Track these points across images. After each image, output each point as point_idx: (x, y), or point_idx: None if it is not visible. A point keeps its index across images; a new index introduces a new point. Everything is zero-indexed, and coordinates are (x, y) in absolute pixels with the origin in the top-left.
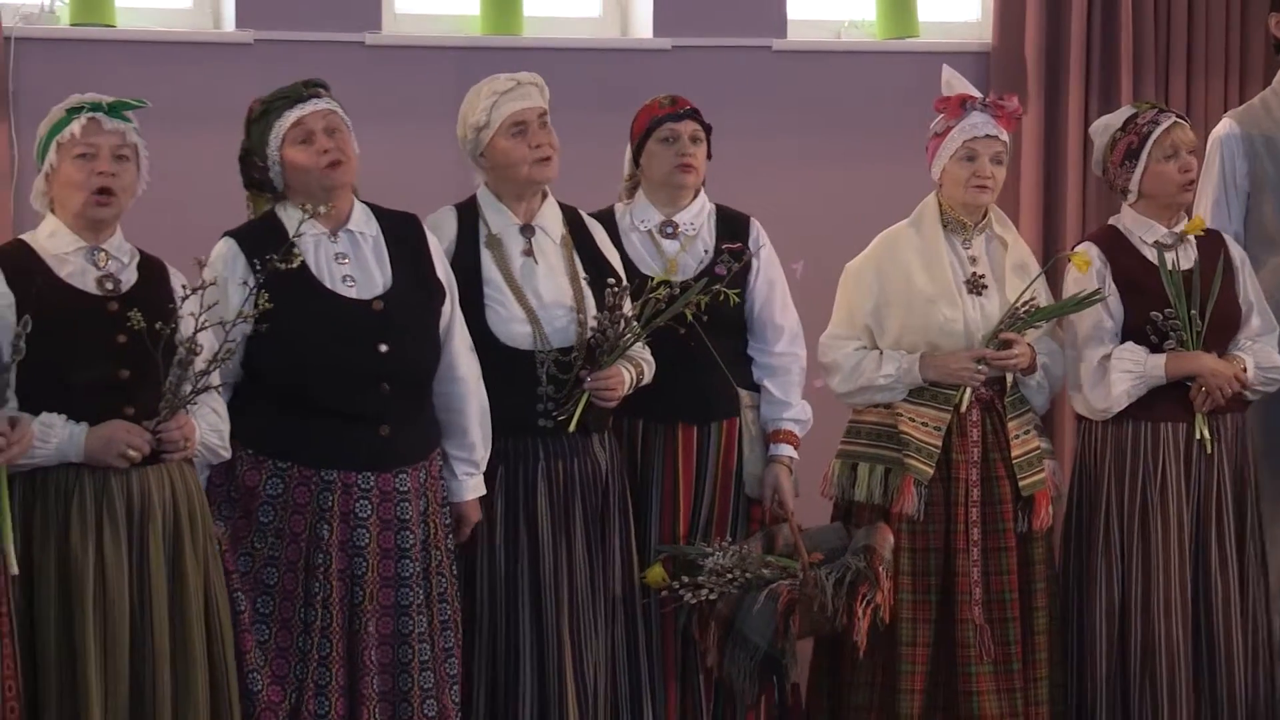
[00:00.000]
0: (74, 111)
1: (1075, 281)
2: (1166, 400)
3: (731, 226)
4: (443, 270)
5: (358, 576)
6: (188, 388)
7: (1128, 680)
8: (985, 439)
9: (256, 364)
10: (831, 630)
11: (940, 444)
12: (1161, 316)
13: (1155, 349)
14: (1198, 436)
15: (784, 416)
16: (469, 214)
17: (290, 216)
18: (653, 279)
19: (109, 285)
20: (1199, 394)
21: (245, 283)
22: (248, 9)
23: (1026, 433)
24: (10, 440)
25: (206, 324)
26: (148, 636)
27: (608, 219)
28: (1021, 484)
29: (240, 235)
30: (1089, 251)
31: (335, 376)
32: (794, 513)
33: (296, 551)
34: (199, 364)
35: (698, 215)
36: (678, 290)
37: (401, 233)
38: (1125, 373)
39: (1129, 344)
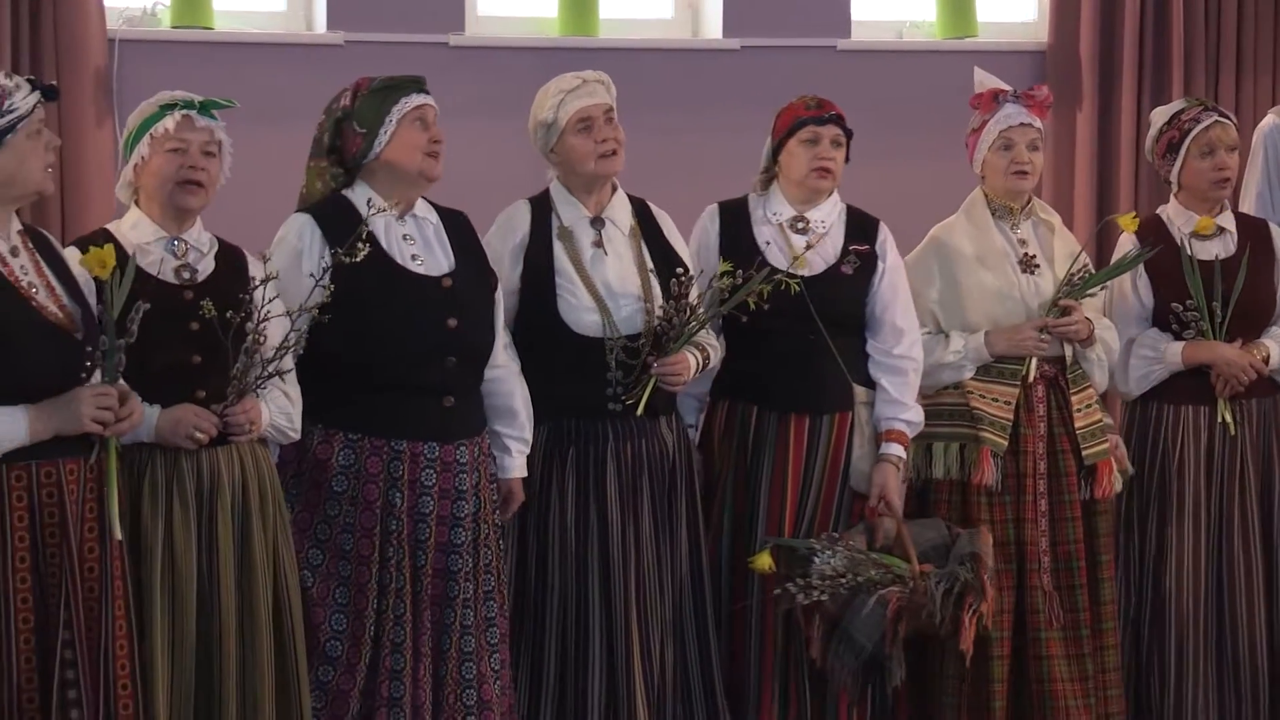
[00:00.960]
0: (167, 108)
1: (1125, 251)
2: (1190, 384)
3: (861, 228)
4: (490, 263)
5: (420, 542)
6: (256, 373)
7: (1140, 651)
8: (1050, 413)
9: (327, 339)
10: (935, 634)
11: (1011, 418)
12: (1182, 307)
13: (1178, 336)
14: (1220, 420)
15: (899, 417)
16: (542, 207)
17: (359, 197)
18: (719, 270)
19: (186, 274)
20: (1218, 380)
21: (311, 274)
22: (338, 12)
23: (1088, 406)
24: (120, 416)
25: (270, 315)
26: (215, 610)
27: (739, 208)
28: (1084, 454)
29: (316, 213)
30: (1128, 240)
31: (406, 349)
32: (899, 514)
33: (371, 518)
34: (267, 351)
35: (829, 214)
36: (737, 278)
37: (456, 224)
38: (1142, 359)
39: (1152, 330)
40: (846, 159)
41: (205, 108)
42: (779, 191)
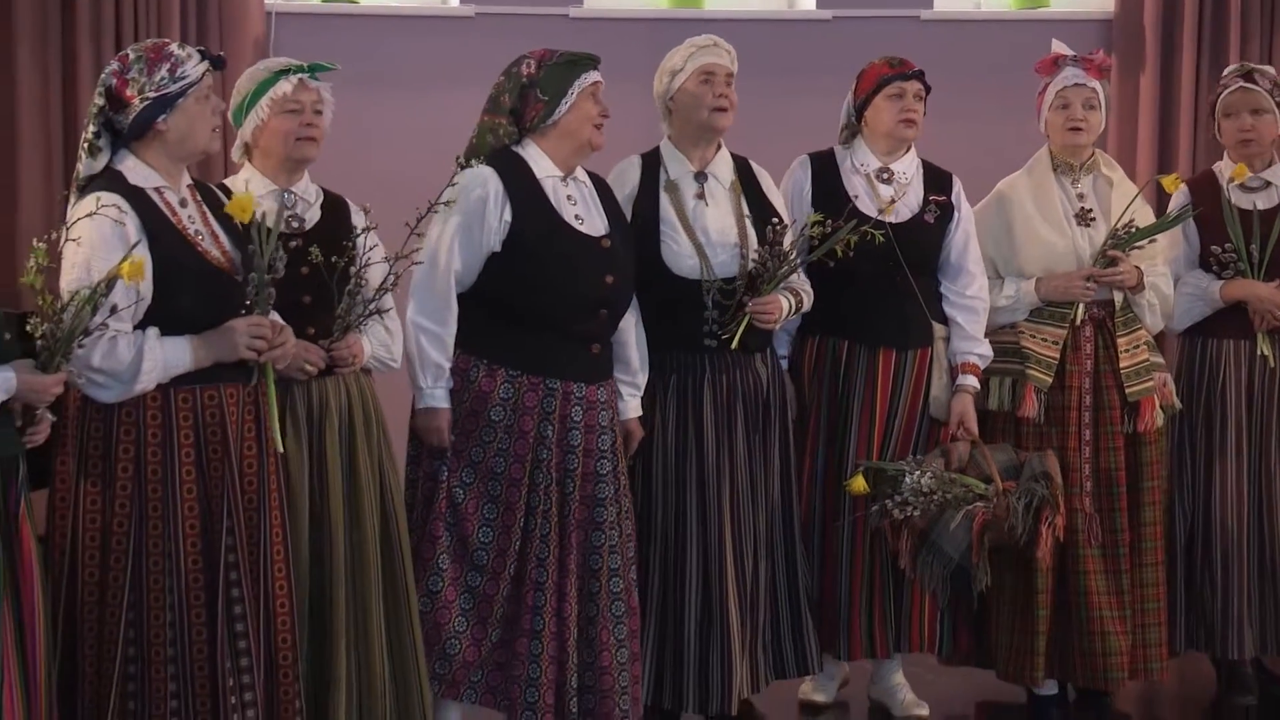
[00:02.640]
0: (280, 73)
1: (1173, 206)
2: (1232, 320)
3: (938, 180)
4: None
5: (569, 471)
6: (358, 312)
7: (1192, 568)
8: (1097, 353)
9: (498, 284)
10: (1014, 545)
11: (1057, 356)
12: (1221, 249)
13: (1219, 277)
14: (1260, 353)
15: (973, 351)
16: (652, 162)
17: (530, 155)
18: (810, 219)
19: (294, 224)
20: (1255, 316)
21: (500, 218)
22: None
23: (1136, 347)
24: (274, 344)
25: (371, 260)
26: (325, 522)
27: (828, 159)
28: (1128, 391)
29: (495, 163)
30: (1182, 191)
31: (568, 300)
32: (977, 437)
33: (525, 446)
34: (368, 292)
35: (910, 166)
36: (827, 227)
37: (602, 188)
38: (1185, 296)
39: (1196, 271)
40: (924, 111)
41: (313, 70)
42: (864, 145)
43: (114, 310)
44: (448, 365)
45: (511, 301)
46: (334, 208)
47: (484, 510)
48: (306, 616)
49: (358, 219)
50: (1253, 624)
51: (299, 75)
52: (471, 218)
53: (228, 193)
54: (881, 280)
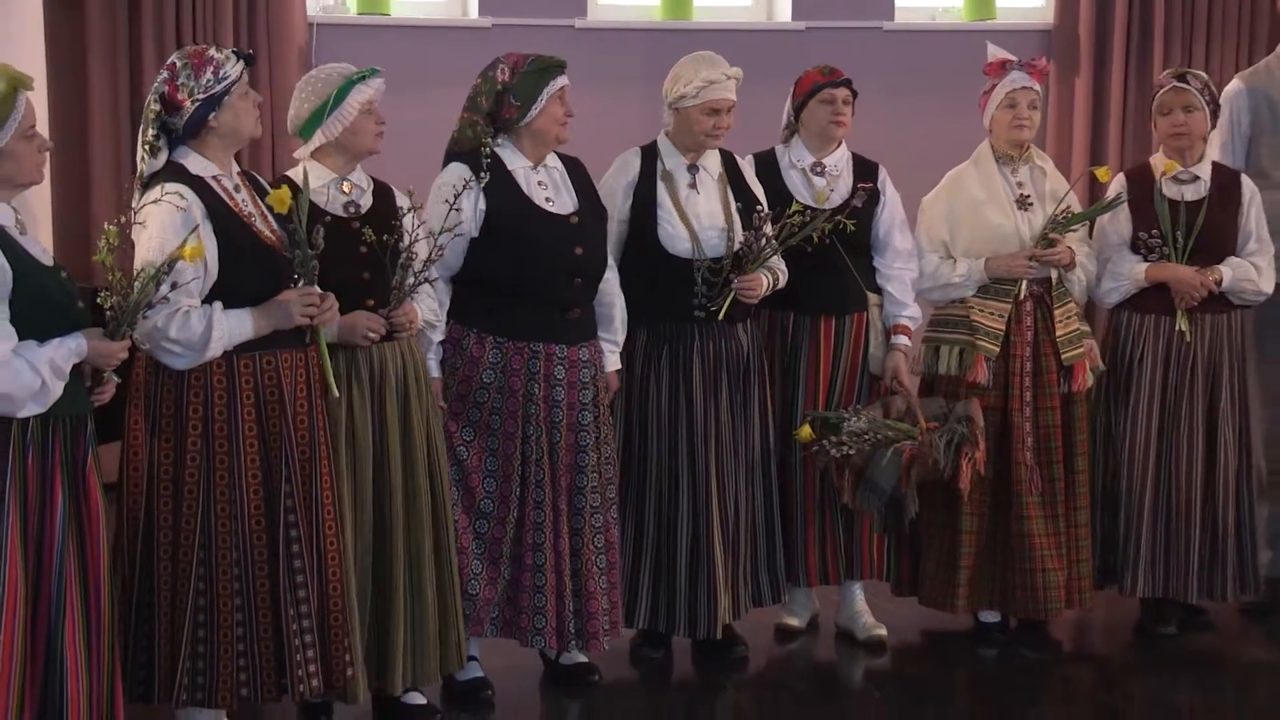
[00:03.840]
0: (357, 79)
1: (1111, 193)
2: (1155, 298)
3: (865, 170)
4: (605, 196)
5: (555, 423)
6: (410, 283)
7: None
8: (1036, 324)
9: (484, 266)
10: (939, 479)
11: (1003, 328)
12: (1149, 235)
13: (1146, 259)
14: (1178, 328)
15: (903, 314)
16: (650, 154)
17: (508, 156)
18: (790, 208)
19: (351, 209)
20: (1175, 296)
21: (473, 207)
22: (488, 1)
23: (1069, 318)
24: (322, 309)
25: (418, 237)
26: (385, 472)
27: (769, 158)
28: (1063, 356)
29: (470, 161)
30: (1119, 180)
31: (545, 272)
32: (909, 388)
33: (515, 404)
34: (416, 265)
35: (840, 159)
36: (807, 215)
37: (575, 169)
38: (1115, 275)
39: (1126, 252)
40: (853, 112)
41: (373, 74)
42: (800, 143)
43: (174, 286)
44: (438, 341)
45: (494, 277)
46: (383, 193)
47: (485, 464)
48: (371, 560)
49: (402, 202)
50: (1157, 564)
51: (374, 80)
52: (463, 212)
53: (291, 184)
54: (818, 258)
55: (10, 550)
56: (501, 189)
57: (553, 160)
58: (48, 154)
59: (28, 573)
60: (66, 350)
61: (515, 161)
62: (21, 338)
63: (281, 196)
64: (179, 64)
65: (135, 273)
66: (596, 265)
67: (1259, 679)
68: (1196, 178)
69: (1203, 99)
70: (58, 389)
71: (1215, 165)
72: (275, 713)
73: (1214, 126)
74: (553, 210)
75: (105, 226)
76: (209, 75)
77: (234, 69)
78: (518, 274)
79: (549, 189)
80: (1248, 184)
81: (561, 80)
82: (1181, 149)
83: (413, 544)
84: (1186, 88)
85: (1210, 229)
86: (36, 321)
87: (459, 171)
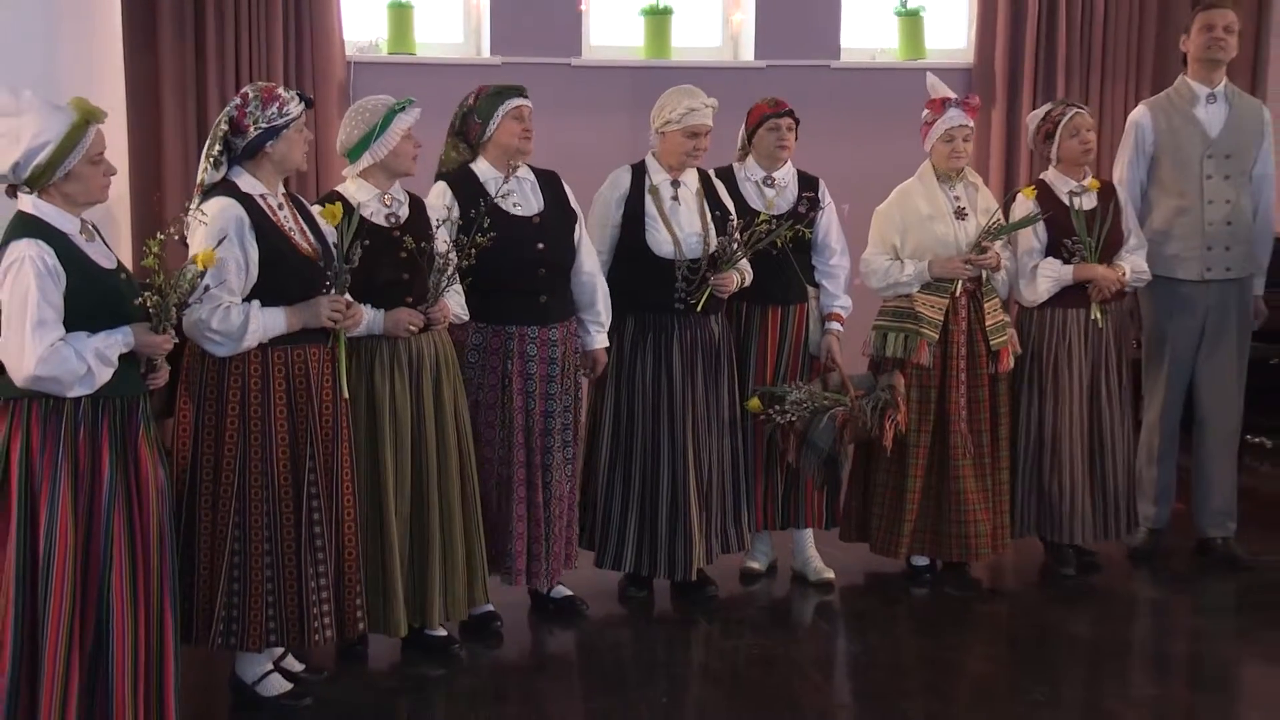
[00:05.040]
0: (398, 109)
1: (1021, 210)
2: (1074, 294)
3: (808, 183)
4: (574, 206)
5: (529, 393)
6: (442, 282)
7: (1042, 472)
8: (969, 316)
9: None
10: (869, 438)
11: (941, 318)
12: (1070, 242)
13: (1066, 262)
14: (1093, 318)
15: (835, 304)
16: (639, 171)
17: (482, 171)
18: (759, 215)
19: (392, 220)
20: (1094, 291)
21: (446, 221)
22: (498, 42)
23: (995, 311)
24: (346, 316)
25: (449, 245)
26: (421, 442)
27: (728, 172)
28: (991, 343)
29: (449, 180)
30: (1024, 203)
31: (512, 265)
32: (841, 365)
33: (495, 377)
34: (450, 268)
35: (786, 174)
36: (773, 225)
37: (547, 180)
38: (1046, 277)
39: (1050, 258)
40: (795, 137)
41: (410, 103)
42: (753, 161)
43: (207, 288)
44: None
45: (473, 271)
46: (417, 206)
47: (475, 431)
48: (410, 516)
49: (431, 214)
50: (1086, 517)
51: (414, 109)
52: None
53: (342, 199)
54: (769, 257)
55: (62, 510)
56: (472, 198)
57: (524, 172)
58: (112, 177)
59: (78, 529)
60: (114, 341)
61: (488, 174)
62: (78, 329)
63: (334, 211)
64: (251, 95)
65: (174, 275)
66: (560, 257)
67: (1142, 611)
68: (1087, 189)
69: (1093, 122)
70: (104, 375)
71: (1101, 181)
72: (318, 648)
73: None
74: (518, 213)
75: (146, 241)
76: (274, 108)
77: (295, 108)
78: (490, 267)
79: (517, 194)
80: (1119, 191)
81: (517, 101)
82: (1086, 163)
83: (445, 502)
84: (1085, 111)
85: (1110, 233)
86: (92, 316)
87: (438, 193)
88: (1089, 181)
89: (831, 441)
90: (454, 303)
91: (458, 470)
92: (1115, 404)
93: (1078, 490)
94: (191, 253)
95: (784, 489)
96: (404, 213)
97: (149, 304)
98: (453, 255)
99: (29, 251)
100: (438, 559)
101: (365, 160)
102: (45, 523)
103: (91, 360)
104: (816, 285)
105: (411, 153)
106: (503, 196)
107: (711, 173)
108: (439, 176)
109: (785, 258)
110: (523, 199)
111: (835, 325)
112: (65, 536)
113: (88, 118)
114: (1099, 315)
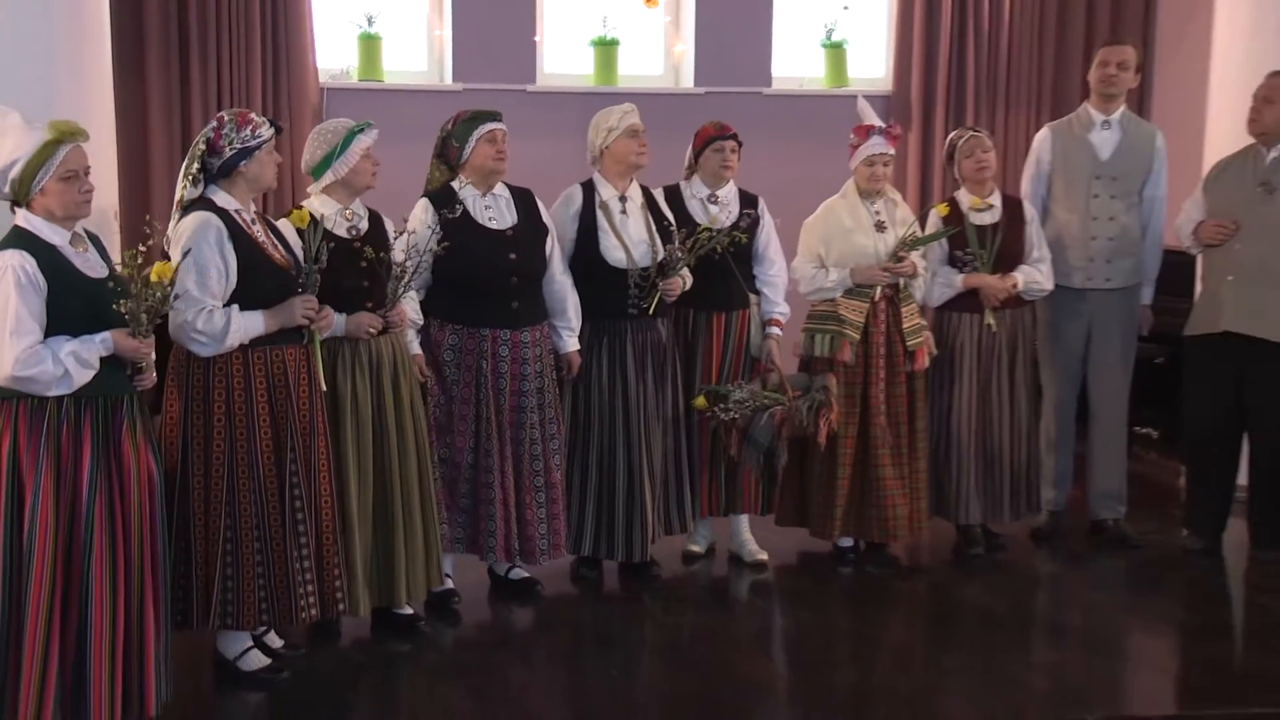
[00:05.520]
0: (358, 130)
1: (934, 225)
2: (970, 300)
3: (749, 200)
4: (547, 220)
5: (500, 390)
6: (399, 290)
7: (938, 459)
8: (888, 319)
9: (442, 271)
10: (805, 435)
11: (863, 320)
12: (963, 253)
13: (961, 271)
14: (986, 322)
15: (775, 310)
16: (589, 189)
17: (460, 186)
18: (700, 227)
19: (353, 231)
20: (985, 298)
21: (430, 228)
22: (459, 69)
23: (912, 315)
24: (318, 318)
25: (405, 256)
26: (383, 435)
27: (676, 190)
28: (908, 344)
29: (431, 197)
30: (943, 212)
31: (486, 273)
32: (780, 367)
33: (470, 376)
34: (404, 277)
35: (729, 192)
36: (713, 234)
37: (522, 196)
38: (941, 284)
39: (946, 267)
40: (739, 158)
41: (369, 126)
42: (699, 180)
43: (176, 297)
44: (417, 325)
45: (451, 279)
46: (376, 220)
47: (451, 424)
48: (371, 503)
49: (389, 226)
50: (978, 499)
51: (372, 131)
52: (420, 231)
53: (313, 217)
54: (714, 267)
55: (43, 500)
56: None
57: (501, 189)
58: (90, 193)
59: (59, 519)
60: (92, 345)
61: (467, 192)
62: (64, 333)
63: (302, 215)
64: (226, 118)
65: (139, 284)
66: (531, 267)
67: (1042, 585)
68: (992, 206)
69: (992, 144)
70: (83, 376)
71: (1005, 195)
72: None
73: (997, 168)
74: (493, 226)
75: (124, 252)
76: (248, 131)
77: (266, 131)
78: (467, 275)
79: (493, 209)
80: (1028, 207)
81: (490, 125)
82: (983, 183)
83: (405, 490)
84: (981, 135)
85: (1006, 245)
86: (77, 321)
87: (422, 208)
88: (939, 207)
89: (770, 437)
90: (409, 308)
91: (415, 461)
92: (1009, 399)
93: (965, 476)
94: (173, 263)
95: (725, 479)
96: (364, 225)
97: (124, 310)
98: (409, 264)
99: (11, 261)
100: (402, 542)
101: (328, 178)
102: (28, 514)
103: (68, 363)
104: (758, 293)
105: (370, 170)
106: (485, 210)
107: (661, 193)
108: (425, 194)
109: (728, 266)
110: (498, 214)
111: (775, 330)
112: (46, 525)
113: (60, 137)
114: (992, 320)
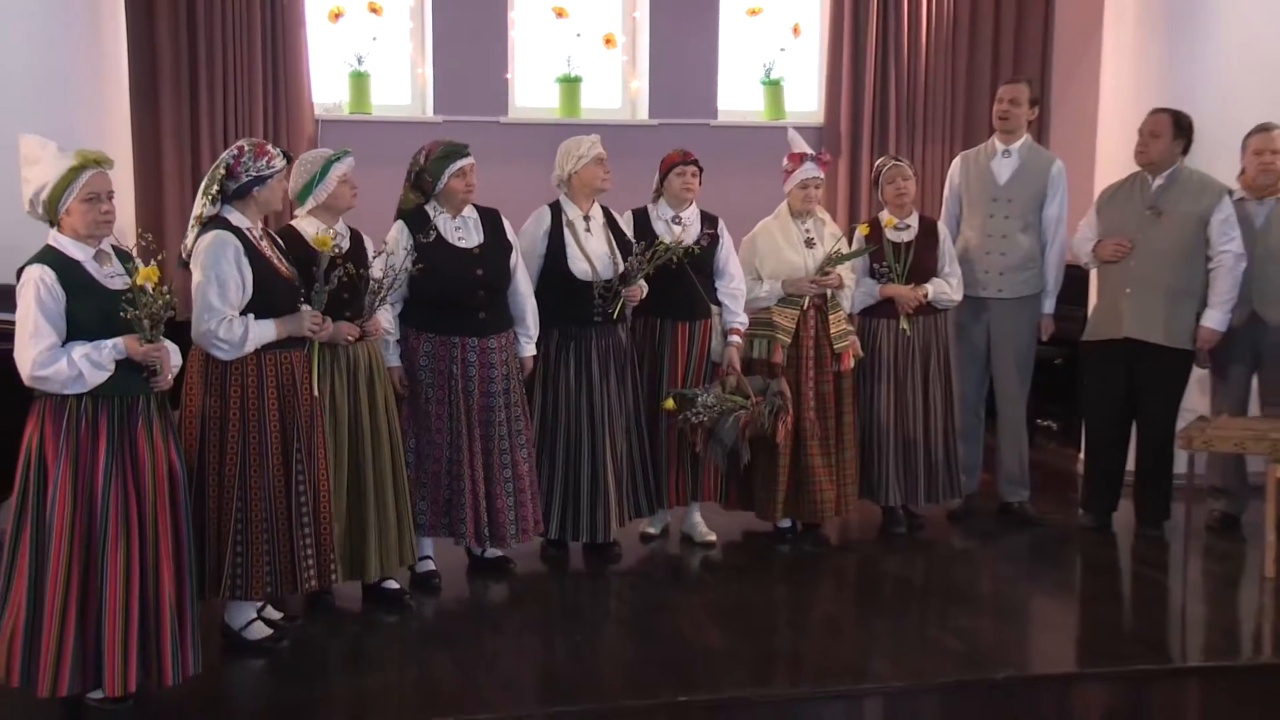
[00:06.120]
0: (335, 159)
1: (859, 241)
2: (886, 308)
3: (710, 220)
4: (511, 238)
5: (469, 391)
6: (375, 302)
7: (862, 449)
8: (816, 325)
9: (417, 287)
10: (764, 435)
11: (794, 326)
12: (880, 265)
13: (880, 282)
14: (901, 327)
15: (735, 320)
16: (556, 209)
17: (433, 210)
18: (658, 240)
19: (335, 249)
20: (899, 306)
21: (406, 250)
22: (439, 103)
23: (839, 321)
24: (321, 328)
25: (382, 272)
26: (358, 431)
27: (643, 212)
28: (835, 347)
29: (406, 220)
30: (865, 230)
31: (454, 287)
32: (739, 371)
33: (442, 379)
34: (382, 290)
35: (692, 214)
36: (669, 248)
37: (489, 216)
38: (863, 293)
39: (867, 279)
40: (700, 183)
41: (346, 154)
42: (665, 202)
43: (171, 308)
44: (395, 339)
45: (425, 293)
46: (356, 238)
47: (433, 414)
48: (346, 491)
49: (369, 244)
50: (898, 483)
51: (348, 158)
52: (397, 251)
53: (297, 233)
54: (676, 280)
55: (61, 488)
56: (424, 235)
57: (469, 211)
58: (110, 213)
59: (76, 504)
60: (106, 349)
61: (439, 214)
62: (85, 339)
63: (324, 240)
64: (246, 148)
65: (135, 293)
66: (496, 281)
67: (957, 559)
68: (909, 226)
69: (911, 172)
70: (96, 376)
71: (922, 216)
72: (292, 600)
73: (915, 193)
74: (462, 245)
75: (139, 267)
76: (264, 161)
77: (279, 163)
78: (437, 288)
79: (462, 230)
80: (941, 227)
81: (460, 161)
82: (902, 205)
83: (378, 479)
84: (902, 164)
85: (918, 260)
86: (97, 328)
87: (398, 230)
88: (861, 226)
89: (735, 438)
90: (384, 319)
91: (388, 453)
92: (923, 395)
93: (886, 463)
94: (194, 278)
95: (691, 471)
96: (345, 244)
97: (129, 316)
98: (385, 280)
99: (34, 274)
100: (372, 524)
101: (310, 202)
102: (50, 499)
103: (81, 364)
104: (719, 304)
105: (348, 193)
106: (455, 230)
107: (630, 216)
108: (398, 215)
109: (691, 280)
110: (466, 234)
111: (735, 338)
112: (64, 509)
113: (83, 164)
114: (905, 325)
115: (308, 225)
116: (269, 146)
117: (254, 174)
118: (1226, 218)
